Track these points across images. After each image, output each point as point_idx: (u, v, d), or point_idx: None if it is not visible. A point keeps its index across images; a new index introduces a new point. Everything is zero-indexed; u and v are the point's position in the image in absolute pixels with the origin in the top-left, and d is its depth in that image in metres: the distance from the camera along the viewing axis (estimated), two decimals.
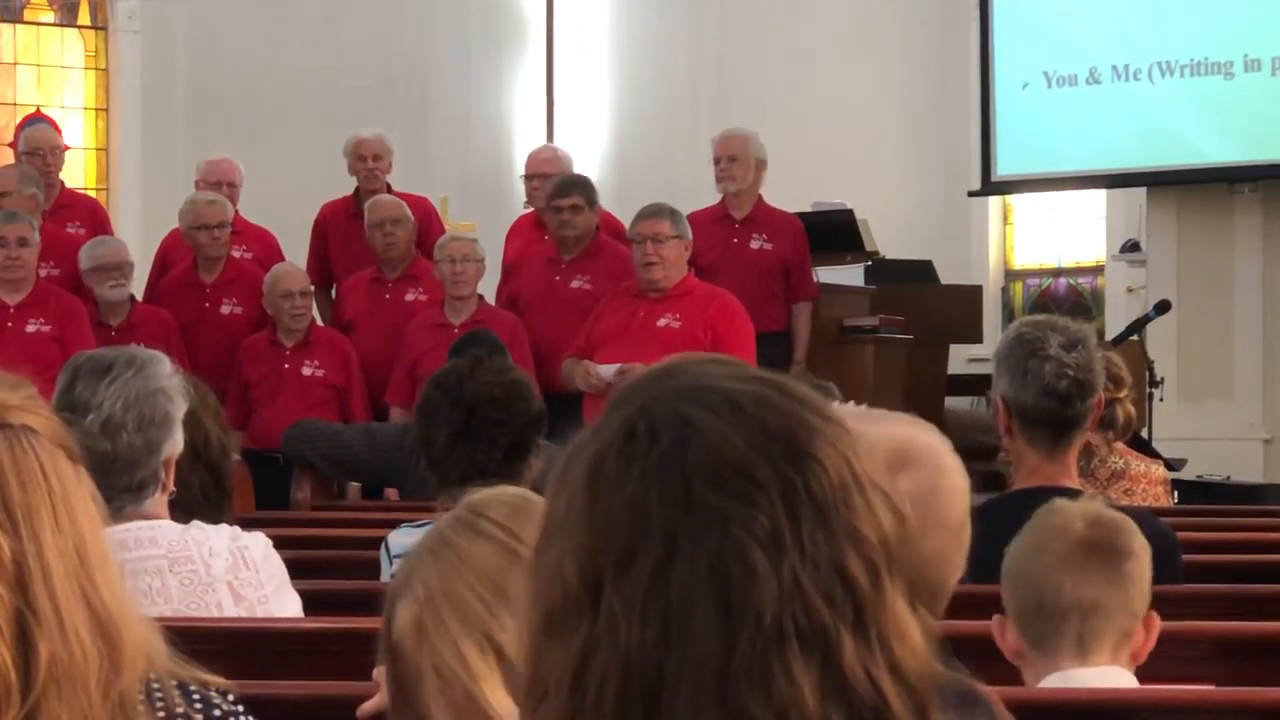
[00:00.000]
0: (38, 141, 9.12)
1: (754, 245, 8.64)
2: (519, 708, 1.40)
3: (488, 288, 8.68)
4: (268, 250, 9.02)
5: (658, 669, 1.31)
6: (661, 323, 7.69)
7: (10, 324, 7.89)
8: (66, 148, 9.52)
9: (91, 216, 9.19)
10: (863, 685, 1.31)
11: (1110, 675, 2.81)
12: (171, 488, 3.39)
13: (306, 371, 8.21)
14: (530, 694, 1.37)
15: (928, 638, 1.37)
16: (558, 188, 8.44)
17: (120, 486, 3.28)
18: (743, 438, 1.34)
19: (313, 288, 8.45)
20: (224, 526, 3.44)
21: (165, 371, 3.38)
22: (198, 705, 1.74)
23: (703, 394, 1.37)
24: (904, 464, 1.98)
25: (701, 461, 1.34)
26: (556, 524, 1.38)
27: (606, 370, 7.56)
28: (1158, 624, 2.90)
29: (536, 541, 1.39)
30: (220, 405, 4.06)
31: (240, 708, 1.78)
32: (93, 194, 11.59)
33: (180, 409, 3.38)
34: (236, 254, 8.79)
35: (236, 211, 9.08)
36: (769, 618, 1.30)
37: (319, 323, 8.58)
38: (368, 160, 9.08)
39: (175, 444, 3.37)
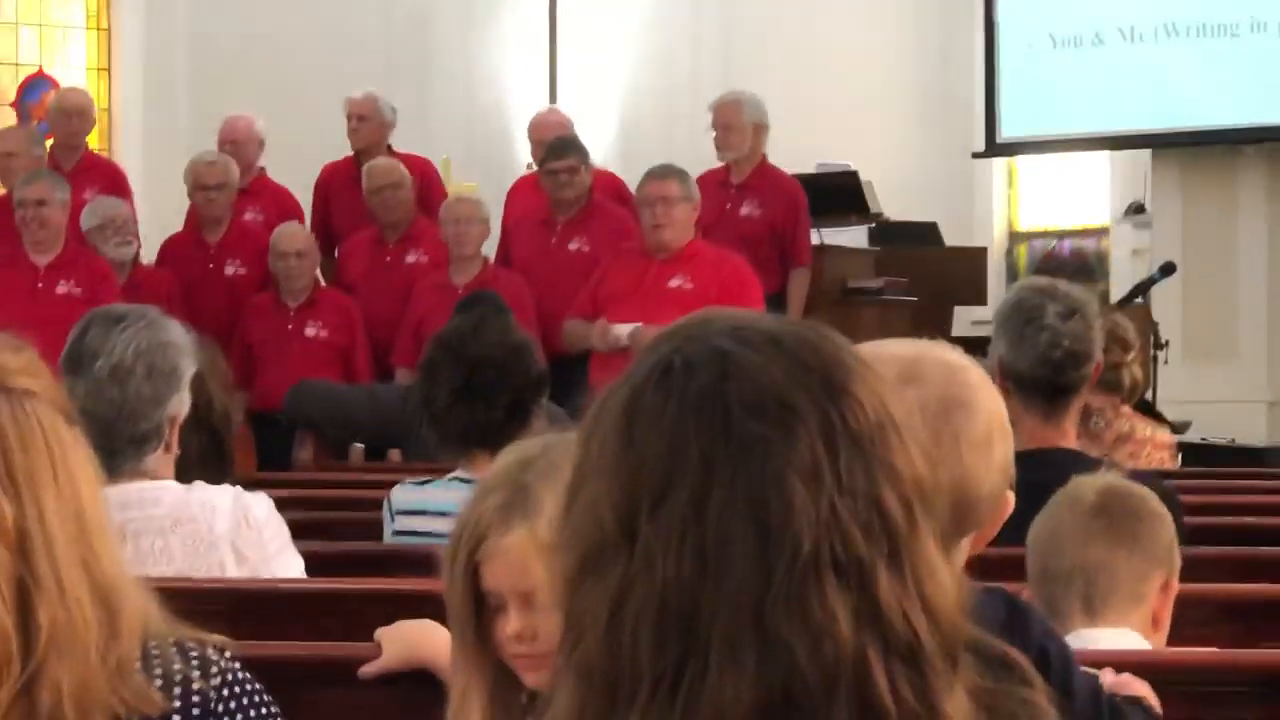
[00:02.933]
0: (71, 104, 9.13)
1: (744, 212, 8.56)
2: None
3: (491, 249, 8.64)
4: (285, 212, 8.88)
5: (694, 601, 1.31)
6: (674, 283, 7.60)
7: (40, 284, 7.81)
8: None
9: (111, 181, 9.09)
10: (897, 618, 1.32)
11: (1120, 636, 2.80)
12: (176, 449, 3.39)
13: (310, 332, 8.17)
14: (566, 636, 1.37)
15: (956, 583, 1.38)
16: (552, 150, 8.37)
17: (125, 437, 3.28)
18: (782, 370, 1.35)
19: (315, 249, 8.40)
20: (227, 487, 3.44)
21: (178, 330, 3.39)
22: (195, 663, 1.74)
23: (740, 331, 1.38)
24: (913, 377, 1.98)
25: (741, 391, 1.34)
26: (590, 466, 1.37)
27: (625, 330, 7.49)
28: (1174, 590, 2.89)
29: (568, 486, 1.39)
30: (228, 371, 4.05)
31: (237, 664, 1.78)
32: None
33: (189, 368, 3.38)
34: (250, 216, 8.75)
35: (262, 171, 9.02)
36: (807, 547, 1.31)
37: (323, 284, 8.54)
38: (352, 120, 9.05)
39: (181, 402, 3.37)
